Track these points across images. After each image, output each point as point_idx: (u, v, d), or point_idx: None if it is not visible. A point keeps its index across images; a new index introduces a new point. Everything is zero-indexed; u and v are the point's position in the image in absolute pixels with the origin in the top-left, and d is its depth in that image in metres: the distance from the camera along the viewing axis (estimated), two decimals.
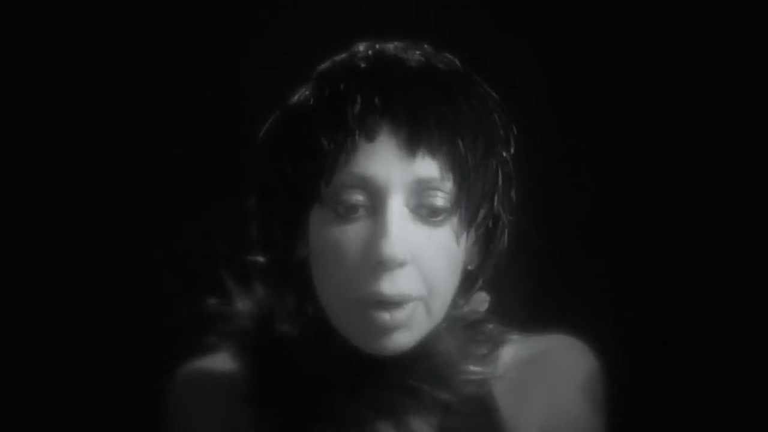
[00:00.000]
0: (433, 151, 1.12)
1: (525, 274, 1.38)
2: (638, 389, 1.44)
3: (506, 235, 1.21)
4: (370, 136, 1.11)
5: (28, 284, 1.60)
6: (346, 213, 1.12)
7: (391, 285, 1.11)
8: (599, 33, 1.53)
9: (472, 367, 1.19)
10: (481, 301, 1.24)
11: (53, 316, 1.60)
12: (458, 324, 1.21)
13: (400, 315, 1.12)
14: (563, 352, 1.23)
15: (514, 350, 1.23)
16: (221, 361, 1.24)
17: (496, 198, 1.18)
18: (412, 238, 1.12)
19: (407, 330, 1.14)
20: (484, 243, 1.21)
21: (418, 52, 1.17)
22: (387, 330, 1.13)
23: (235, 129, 1.30)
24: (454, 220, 1.14)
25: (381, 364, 1.16)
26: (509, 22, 1.54)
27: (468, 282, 1.21)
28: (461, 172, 1.13)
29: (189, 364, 1.26)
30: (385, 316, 1.12)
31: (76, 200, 1.60)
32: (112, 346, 1.60)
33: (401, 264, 1.11)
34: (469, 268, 1.21)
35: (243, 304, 1.23)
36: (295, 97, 1.18)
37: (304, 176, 1.14)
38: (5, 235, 1.59)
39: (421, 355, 1.17)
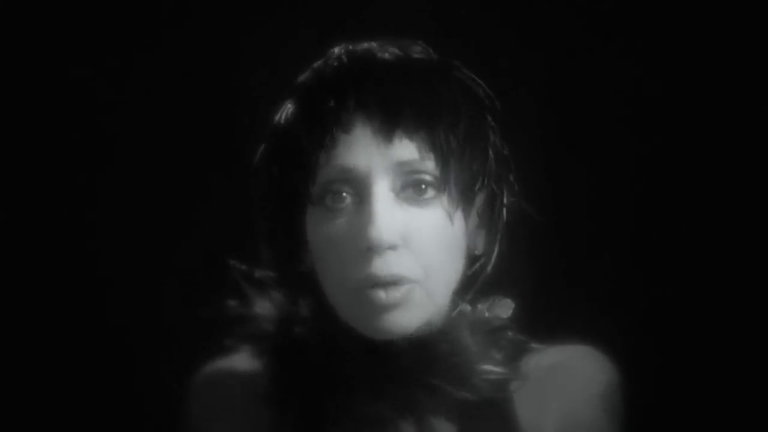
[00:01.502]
0: (410, 134, 1.14)
1: (530, 282, 1.37)
2: (654, 399, 1.44)
3: (504, 214, 1.22)
4: (347, 129, 1.15)
5: (45, 291, 1.63)
6: (336, 206, 1.15)
7: (383, 267, 1.13)
8: (599, 25, 1.55)
9: (492, 369, 1.19)
10: (505, 307, 1.24)
11: (72, 316, 1.63)
12: (481, 328, 1.21)
13: (395, 293, 1.14)
14: (583, 362, 1.23)
15: (535, 359, 1.23)
16: (241, 362, 1.25)
17: (488, 177, 1.19)
18: (400, 221, 1.14)
19: (405, 309, 1.15)
20: (487, 225, 1.22)
21: (392, 47, 1.20)
22: (383, 309, 1.14)
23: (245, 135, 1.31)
24: (444, 199, 1.16)
25: (400, 361, 1.17)
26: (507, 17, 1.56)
27: (474, 268, 1.22)
28: (442, 151, 1.15)
29: (209, 364, 1.27)
30: (381, 295, 1.14)
31: (87, 204, 1.63)
32: (133, 347, 1.62)
33: (391, 247, 1.13)
34: (476, 253, 1.22)
35: (261, 307, 1.24)
36: (279, 112, 1.21)
37: (292, 179, 1.17)
38: (34, 241, 1.63)
39: (443, 354, 1.18)
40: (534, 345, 1.24)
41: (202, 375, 1.27)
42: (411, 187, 1.15)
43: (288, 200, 1.18)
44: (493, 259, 1.22)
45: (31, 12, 1.60)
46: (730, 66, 1.50)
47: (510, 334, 1.22)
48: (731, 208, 1.50)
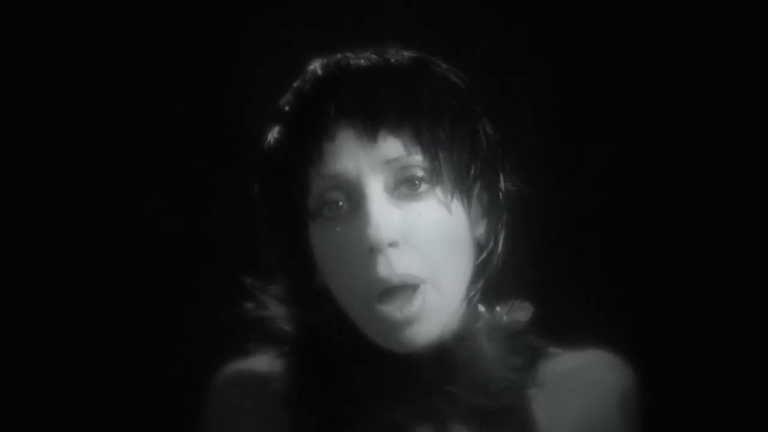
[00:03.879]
0: (393, 131, 1.15)
1: (545, 285, 1.36)
2: (672, 405, 1.43)
3: (502, 199, 1.22)
4: (331, 137, 1.16)
5: (69, 298, 1.66)
6: (333, 216, 1.16)
7: (387, 267, 1.13)
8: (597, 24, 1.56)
9: (510, 375, 1.19)
10: (524, 311, 1.24)
11: (95, 322, 1.66)
12: (500, 333, 1.21)
13: (410, 307, 1.14)
14: (601, 367, 1.24)
15: (553, 364, 1.23)
16: (261, 364, 1.25)
17: (480, 164, 1.19)
18: (398, 217, 1.14)
19: (423, 321, 1.15)
20: (488, 213, 1.22)
21: (366, 53, 1.21)
22: (401, 325, 1.15)
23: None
24: (438, 191, 1.16)
25: (419, 367, 1.17)
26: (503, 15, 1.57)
27: (482, 258, 1.22)
28: (428, 143, 1.15)
29: (229, 366, 1.28)
30: (396, 313, 1.14)
31: (118, 217, 1.67)
32: (154, 350, 1.64)
33: (392, 244, 1.13)
34: (482, 244, 1.22)
35: (278, 311, 1.25)
36: (267, 138, 1.23)
37: (288, 198, 1.19)
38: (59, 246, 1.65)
39: (461, 361, 1.18)
40: (552, 350, 1.24)
41: (222, 376, 1.27)
42: (404, 184, 1.15)
43: (288, 220, 1.19)
44: (499, 249, 1.22)
45: (33, 12, 1.62)
46: (742, 75, 1.50)
47: (528, 338, 1.22)
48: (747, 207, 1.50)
